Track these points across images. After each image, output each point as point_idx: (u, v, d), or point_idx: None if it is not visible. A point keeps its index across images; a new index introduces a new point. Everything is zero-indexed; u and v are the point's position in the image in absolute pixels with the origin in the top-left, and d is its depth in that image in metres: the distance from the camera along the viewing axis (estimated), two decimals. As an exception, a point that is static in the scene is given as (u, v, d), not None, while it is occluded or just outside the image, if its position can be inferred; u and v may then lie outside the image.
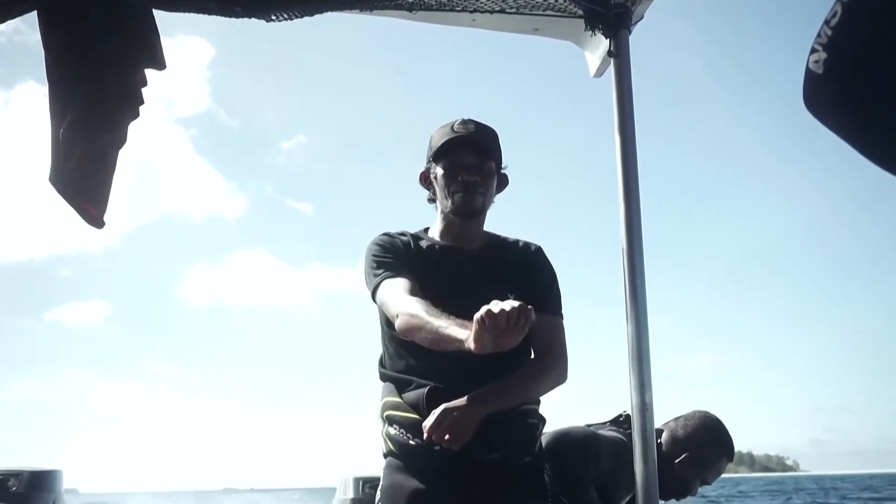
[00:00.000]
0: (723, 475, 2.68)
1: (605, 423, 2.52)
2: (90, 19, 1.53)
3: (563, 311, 2.08)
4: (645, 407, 2.04)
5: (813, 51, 0.90)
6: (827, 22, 0.89)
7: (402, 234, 2.11)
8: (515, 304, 1.58)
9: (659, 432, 2.53)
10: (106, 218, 1.59)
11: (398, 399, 1.95)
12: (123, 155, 1.60)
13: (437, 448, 1.81)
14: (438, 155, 2.03)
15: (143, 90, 1.60)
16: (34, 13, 1.54)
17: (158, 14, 1.62)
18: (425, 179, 2.11)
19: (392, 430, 1.94)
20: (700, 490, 2.59)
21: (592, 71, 2.37)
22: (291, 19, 1.76)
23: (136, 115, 1.59)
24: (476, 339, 1.62)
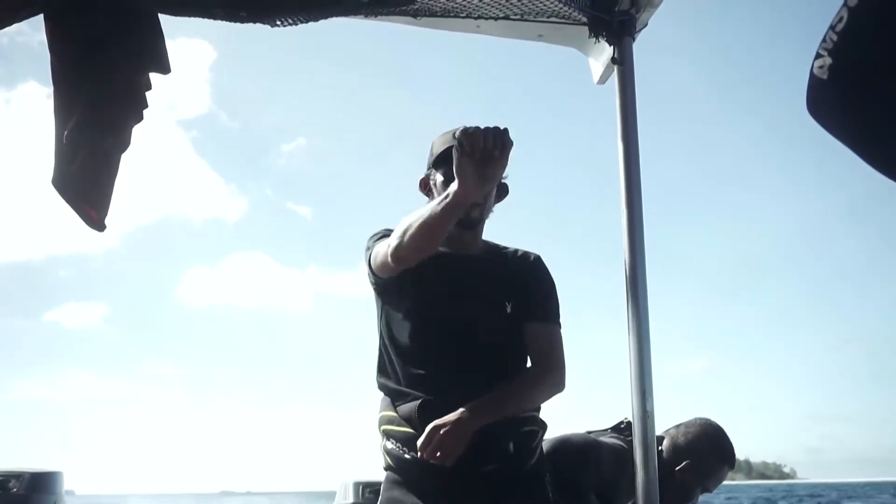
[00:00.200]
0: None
1: (605, 430, 2.52)
2: (96, 23, 1.54)
3: (562, 319, 2.08)
4: (646, 414, 2.03)
5: (818, 56, 0.89)
6: (833, 27, 0.88)
7: None
8: (492, 127, 1.60)
9: (660, 440, 2.53)
10: (107, 221, 1.59)
11: (393, 413, 1.96)
12: (126, 158, 1.61)
13: (432, 462, 1.81)
14: (439, 162, 2.02)
15: (148, 94, 1.61)
16: (39, 16, 1.54)
17: (162, 17, 1.63)
18: (425, 186, 2.11)
19: (389, 445, 1.95)
20: (701, 498, 2.59)
21: (596, 78, 2.37)
22: (296, 24, 1.77)
23: (140, 118, 1.59)
24: (459, 174, 1.63)
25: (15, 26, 1.54)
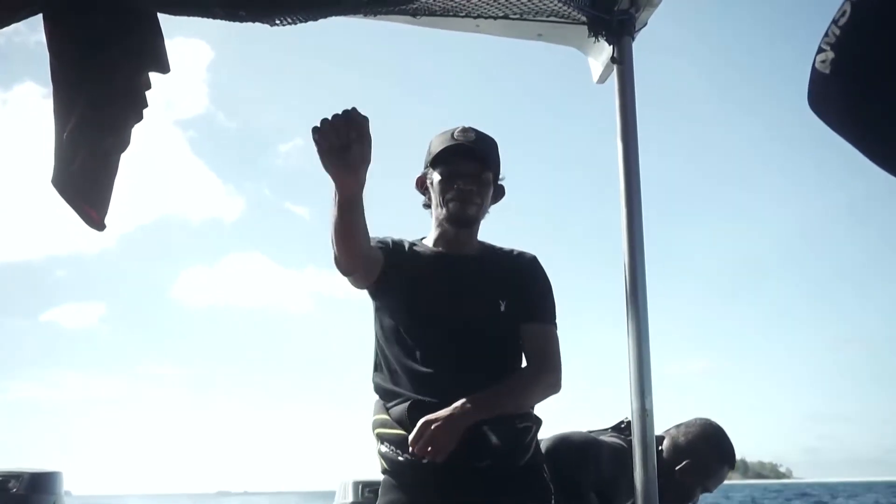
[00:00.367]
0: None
1: (606, 429, 2.52)
2: (95, 22, 1.54)
3: (560, 320, 2.07)
4: (645, 413, 2.03)
5: (820, 50, 0.88)
6: (835, 21, 0.87)
7: (397, 238, 2.11)
8: (338, 113, 1.59)
9: (660, 439, 2.53)
10: (107, 221, 1.59)
11: (385, 416, 1.95)
12: (126, 158, 1.61)
13: (424, 462, 1.81)
14: (436, 161, 2.02)
15: (147, 93, 1.61)
16: (36, 16, 1.54)
17: (160, 17, 1.63)
18: (422, 185, 2.11)
19: (383, 448, 1.94)
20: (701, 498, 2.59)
21: (595, 77, 2.37)
22: (295, 24, 1.77)
23: (140, 118, 1.59)
24: (327, 171, 1.63)
25: (12, 26, 1.54)
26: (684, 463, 2.50)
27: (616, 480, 2.31)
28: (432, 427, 1.79)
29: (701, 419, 2.62)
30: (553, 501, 2.00)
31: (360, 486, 3.44)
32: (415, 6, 2.06)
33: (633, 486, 2.07)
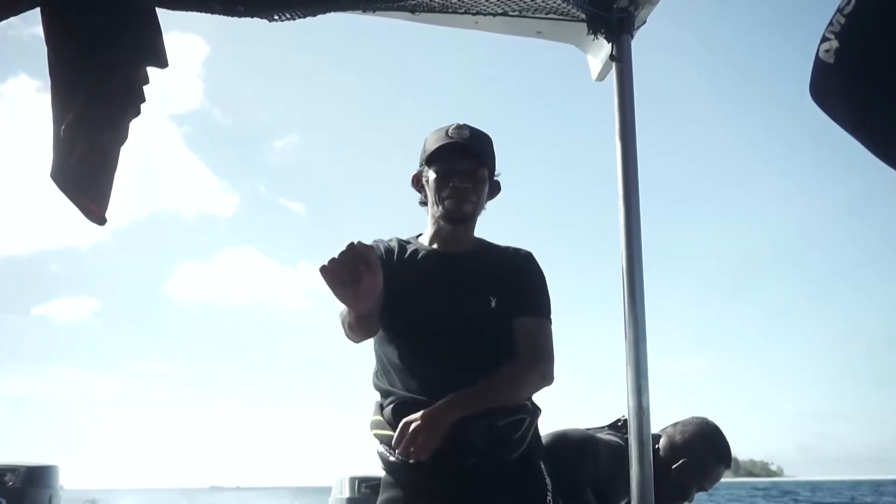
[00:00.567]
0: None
1: (603, 427, 2.52)
2: (94, 17, 1.54)
3: (556, 316, 2.06)
4: (641, 410, 2.04)
5: (824, 39, 0.86)
6: (840, 10, 0.85)
7: (391, 240, 2.11)
8: (343, 250, 1.65)
9: (657, 438, 2.53)
10: (107, 215, 1.59)
11: (379, 417, 1.96)
12: (124, 152, 1.61)
13: (411, 462, 1.81)
14: (431, 159, 2.02)
15: (145, 88, 1.60)
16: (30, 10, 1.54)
17: (157, 11, 1.62)
18: (417, 182, 2.11)
19: (380, 448, 1.95)
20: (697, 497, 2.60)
21: (594, 75, 2.37)
22: (294, 19, 1.76)
23: (138, 112, 1.59)
24: (342, 301, 1.72)
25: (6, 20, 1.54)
26: (681, 462, 2.50)
27: (613, 478, 2.32)
28: (412, 427, 1.79)
29: (698, 418, 2.63)
30: (550, 495, 1.99)
31: (357, 482, 3.45)
32: (414, 2, 2.06)
33: (629, 483, 2.08)
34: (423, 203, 2.10)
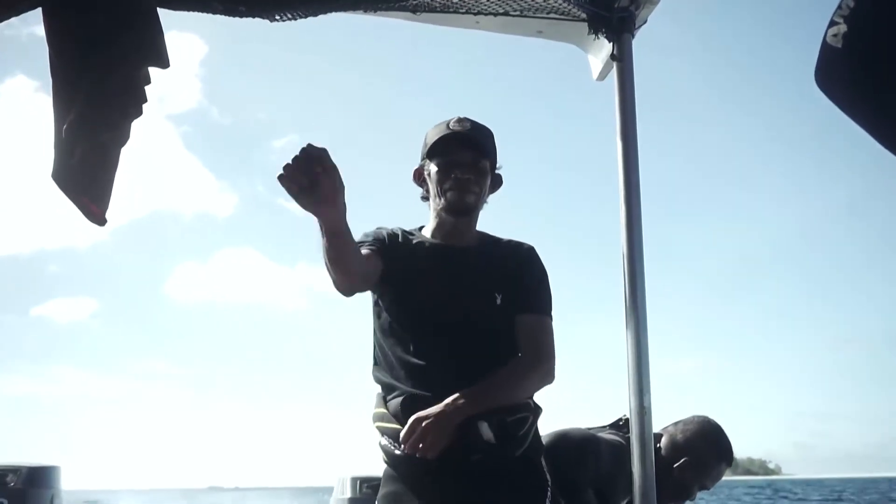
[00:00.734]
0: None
1: (604, 426, 2.52)
2: (95, 16, 1.54)
3: (555, 312, 2.06)
4: (643, 410, 2.04)
5: (832, 24, 0.84)
6: None
7: (394, 228, 2.10)
8: (298, 154, 1.58)
9: (658, 437, 2.53)
10: (108, 215, 1.59)
11: (384, 409, 1.96)
12: (125, 152, 1.61)
13: (417, 457, 1.81)
14: (433, 152, 2.02)
15: (147, 88, 1.60)
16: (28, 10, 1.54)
17: (158, 11, 1.62)
18: (419, 177, 2.10)
19: (383, 441, 1.95)
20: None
21: (595, 74, 2.37)
22: (295, 19, 1.76)
23: (140, 112, 1.59)
24: (304, 208, 1.61)
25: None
26: (682, 460, 2.50)
27: (614, 478, 2.32)
28: (423, 424, 1.80)
29: (699, 417, 2.63)
30: (550, 493, 2.00)
31: (358, 482, 3.45)
32: (415, 2, 2.06)
33: (631, 483, 2.08)
34: (425, 197, 2.10)
